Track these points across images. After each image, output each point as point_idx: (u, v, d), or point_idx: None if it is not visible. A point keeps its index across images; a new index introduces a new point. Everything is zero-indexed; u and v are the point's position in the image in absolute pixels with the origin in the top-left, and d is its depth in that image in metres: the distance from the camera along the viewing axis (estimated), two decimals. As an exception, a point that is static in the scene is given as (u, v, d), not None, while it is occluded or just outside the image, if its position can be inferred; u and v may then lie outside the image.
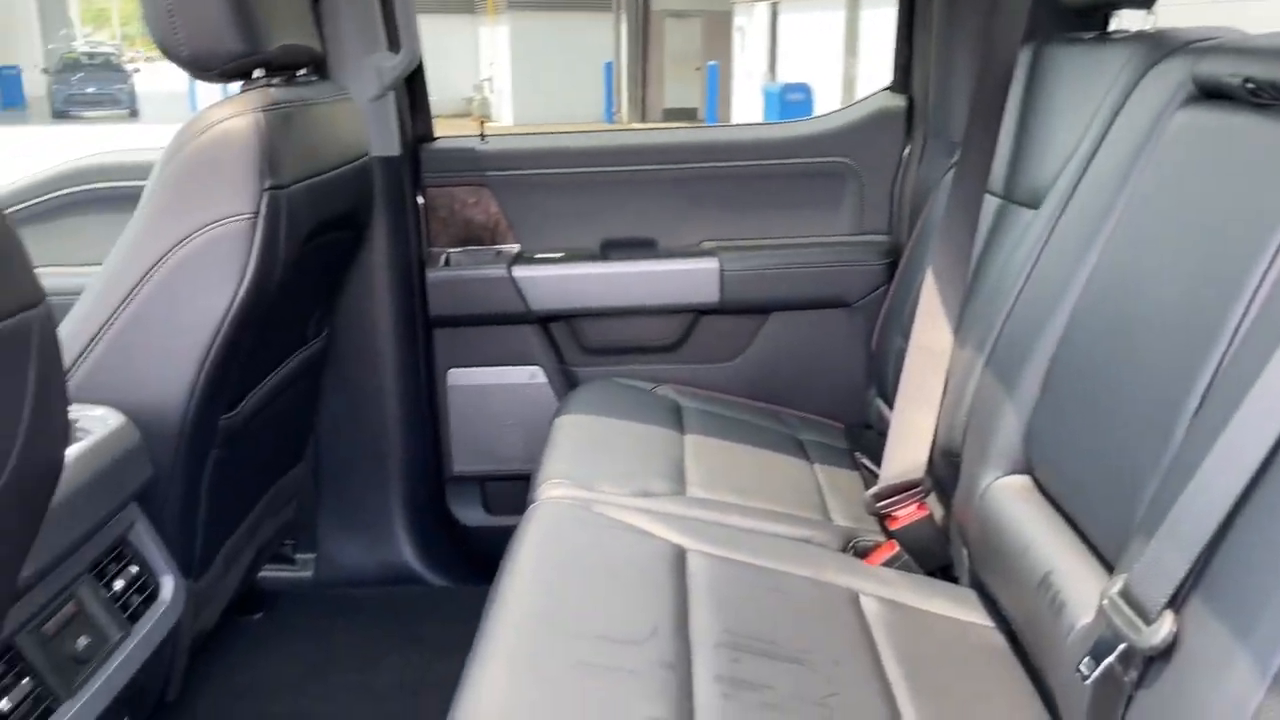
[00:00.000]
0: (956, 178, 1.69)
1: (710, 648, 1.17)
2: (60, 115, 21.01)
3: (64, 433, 0.83)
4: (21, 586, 1.06)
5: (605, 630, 1.16)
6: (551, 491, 1.53)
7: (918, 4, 2.07)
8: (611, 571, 1.30)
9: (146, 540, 1.40)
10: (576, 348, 2.22)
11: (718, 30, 20.61)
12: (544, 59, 20.18)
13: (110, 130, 17.54)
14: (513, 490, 2.25)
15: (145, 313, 1.39)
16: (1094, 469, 1.15)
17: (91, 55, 22.90)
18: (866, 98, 2.21)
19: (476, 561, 2.22)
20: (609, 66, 20.69)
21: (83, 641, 1.23)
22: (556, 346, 2.21)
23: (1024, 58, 1.71)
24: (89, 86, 21.42)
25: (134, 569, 1.37)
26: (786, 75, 16.98)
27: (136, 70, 22.94)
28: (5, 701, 1.10)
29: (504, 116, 20.33)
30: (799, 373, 2.19)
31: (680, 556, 1.37)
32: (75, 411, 1.31)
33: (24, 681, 1.13)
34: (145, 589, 1.39)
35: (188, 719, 1.71)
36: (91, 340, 1.40)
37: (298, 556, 2.19)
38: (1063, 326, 1.30)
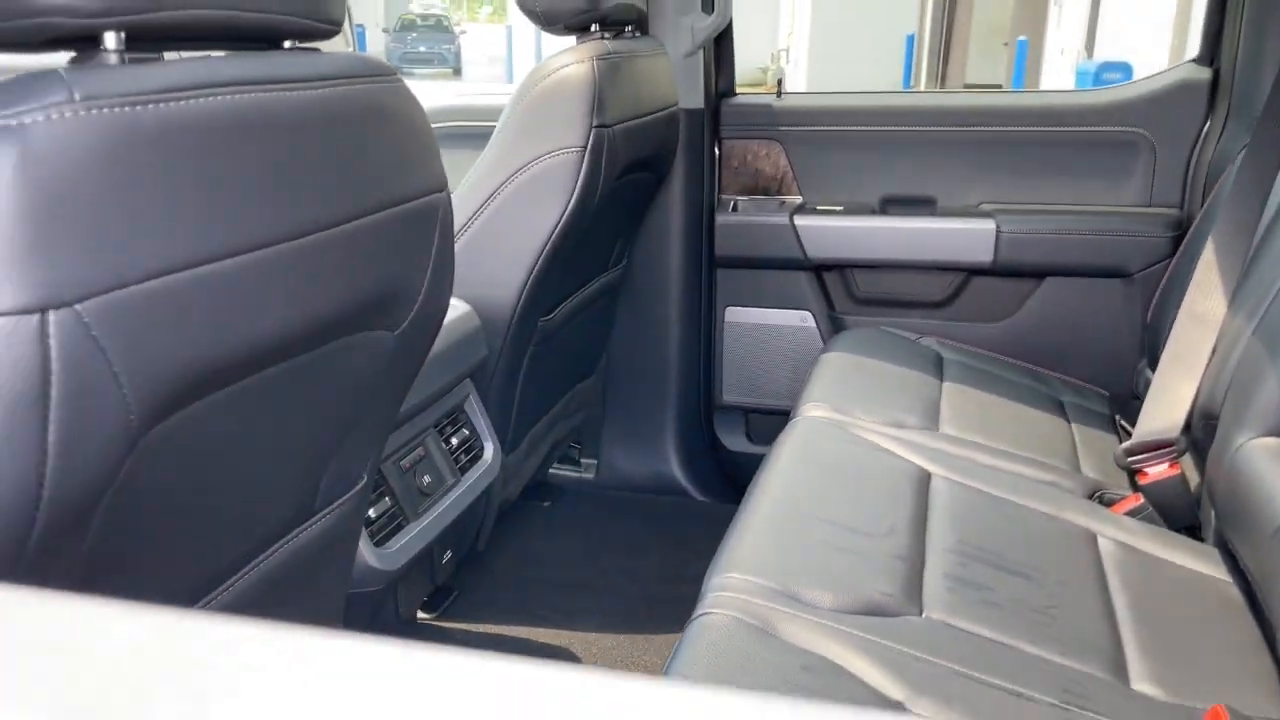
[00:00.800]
0: (1251, 148, 1.68)
1: (941, 551, 1.31)
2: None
3: (448, 294, 1.10)
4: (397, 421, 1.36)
5: (849, 522, 1.32)
6: (811, 412, 1.70)
7: None
8: (859, 478, 1.46)
9: (476, 412, 1.70)
10: (847, 297, 2.36)
11: (1032, 3, 19.50)
12: (844, 29, 19.87)
13: (437, 86, 19.16)
14: (773, 423, 2.44)
15: (491, 224, 1.68)
16: None
17: (425, 17, 24.96)
18: (1169, 69, 2.19)
19: (736, 483, 2.43)
20: (911, 39, 20.12)
21: (426, 479, 1.54)
22: (828, 294, 2.36)
23: None
24: (421, 46, 23.37)
25: (465, 432, 1.67)
26: (1105, 53, 15.86)
27: (463, 32, 24.81)
28: (373, 510, 1.42)
29: (798, 87, 20.26)
30: (1069, 339, 2.22)
31: (925, 478, 1.50)
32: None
33: (385, 499, 1.45)
34: (471, 450, 1.69)
35: (488, 572, 2.04)
36: None
37: (582, 460, 2.49)
38: (1337, 295, 1.31)
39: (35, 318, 0.59)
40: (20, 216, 0.59)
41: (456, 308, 1.63)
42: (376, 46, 24.28)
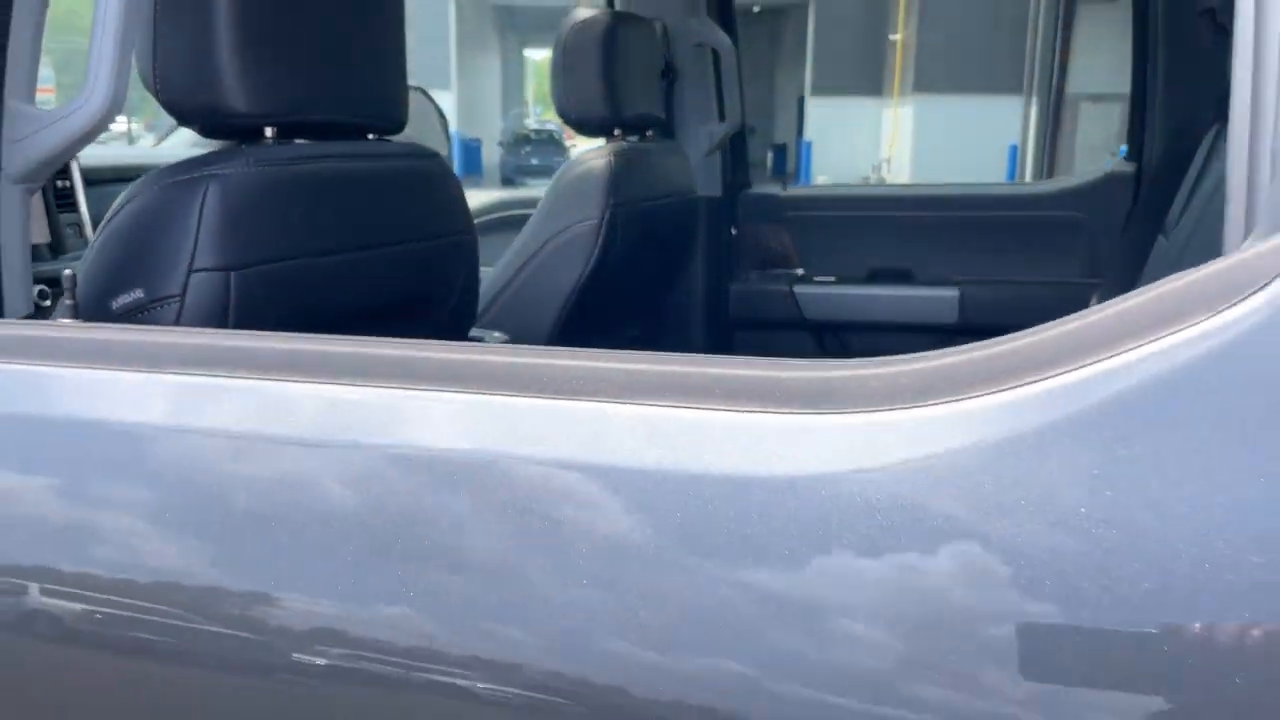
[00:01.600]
0: (1130, 222, 2.10)
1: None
2: (506, 182, 24.40)
3: (475, 303, 1.60)
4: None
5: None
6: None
7: (1148, 81, 2.46)
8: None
9: (514, 420, 2.20)
10: (843, 352, 2.80)
11: (1134, 114, 19.65)
12: (946, 141, 20.24)
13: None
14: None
15: (530, 279, 2.21)
16: None
17: (538, 132, 26.47)
18: (1102, 166, 2.62)
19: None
20: (1014, 149, 20.47)
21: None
22: (826, 350, 2.81)
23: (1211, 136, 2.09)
24: (533, 159, 24.68)
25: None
26: (1204, 161, 15.90)
27: (573, 145, 26.14)
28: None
29: (897, 196, 20.58)
30: None
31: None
32: (483, 333, 2.14)
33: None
34: (509, 450, 2.18)
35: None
36: (497, 295, 2.24)
37: None
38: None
39: (225, 274, 1.12)
40: (220, 223, 1.12)
41: (500, 339, 2.15)
42: (492, 159, 25.74)
